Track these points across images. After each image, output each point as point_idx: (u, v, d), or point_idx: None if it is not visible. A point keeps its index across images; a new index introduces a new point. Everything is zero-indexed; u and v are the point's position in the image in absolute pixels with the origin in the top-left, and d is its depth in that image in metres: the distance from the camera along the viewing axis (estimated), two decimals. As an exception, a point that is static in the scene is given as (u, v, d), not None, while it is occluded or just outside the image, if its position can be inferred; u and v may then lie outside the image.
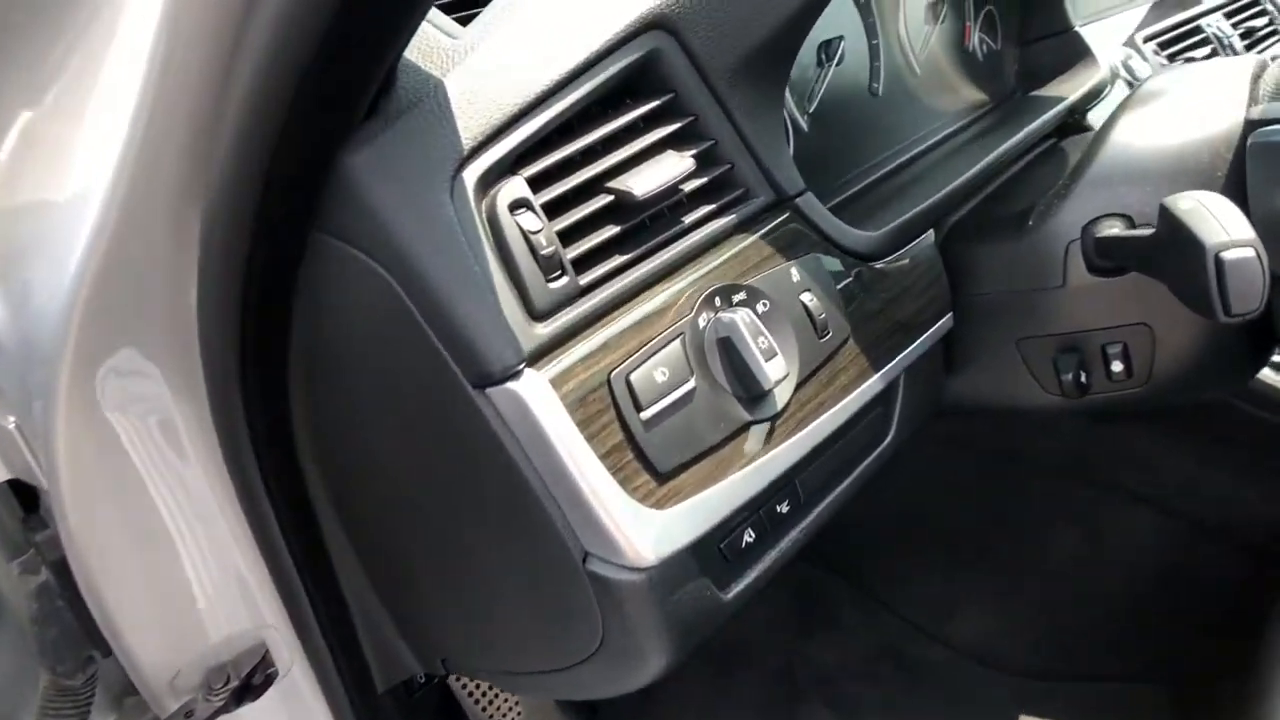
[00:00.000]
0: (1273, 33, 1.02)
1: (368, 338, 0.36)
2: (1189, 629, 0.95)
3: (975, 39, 0.74)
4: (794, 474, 0.42)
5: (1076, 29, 0.75)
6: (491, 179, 0.35)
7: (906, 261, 0.49)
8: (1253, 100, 0.48)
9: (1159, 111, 0.51)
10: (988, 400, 0.57)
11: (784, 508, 0.43)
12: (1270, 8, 1.05)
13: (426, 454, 0.38)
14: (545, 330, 0.34)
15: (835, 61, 0.56)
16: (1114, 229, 0.47)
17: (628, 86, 0.40)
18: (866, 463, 0.50)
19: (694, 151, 0.41)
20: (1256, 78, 0.50)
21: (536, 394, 0.33)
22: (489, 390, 0.33)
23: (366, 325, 0.35)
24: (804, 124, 0.55)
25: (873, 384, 0.46)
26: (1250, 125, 0.46)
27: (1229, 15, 0.98)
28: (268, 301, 0.34)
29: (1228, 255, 0.34)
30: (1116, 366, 0.50)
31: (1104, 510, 1.06)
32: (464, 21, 0.39)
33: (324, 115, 0.30)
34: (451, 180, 0.33)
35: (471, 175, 0.34)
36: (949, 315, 0.52)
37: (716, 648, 1.15)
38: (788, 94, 0.54)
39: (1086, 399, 0.52)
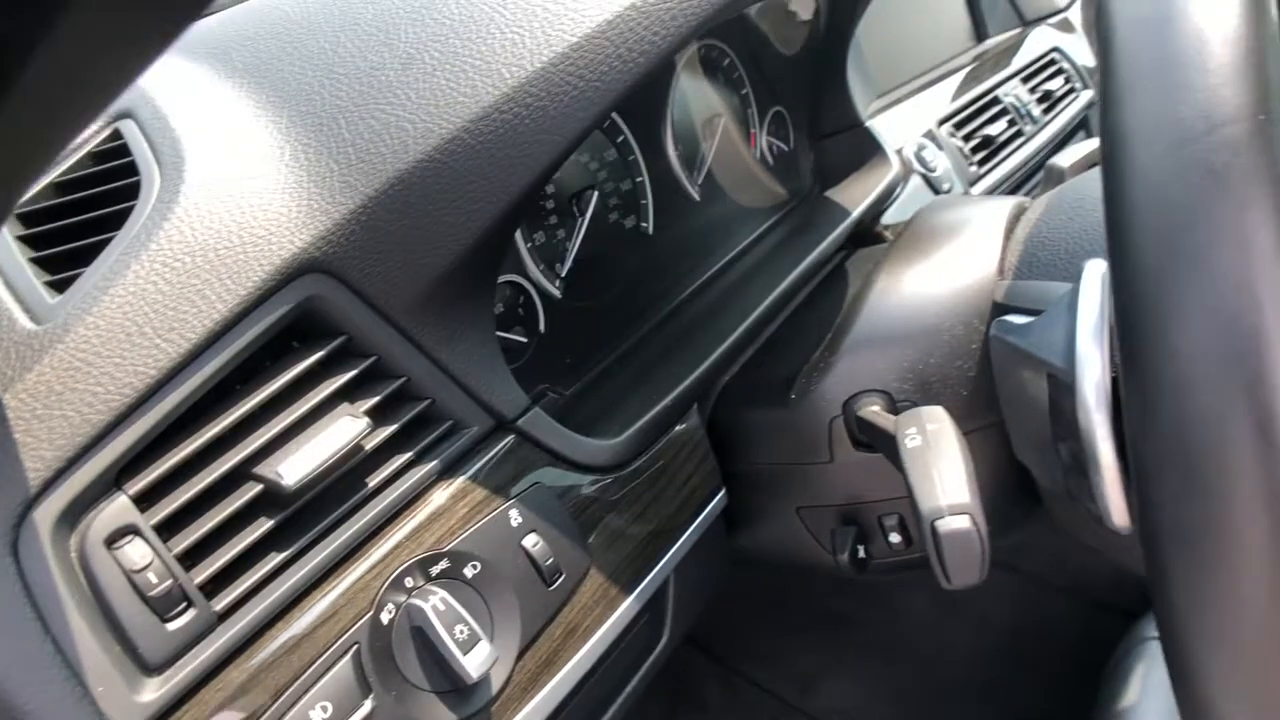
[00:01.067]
0: (1070, 91, 1.05)
1: None
2: (1037, 682, 0.97)
3: (763, 143, 0.71)
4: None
5: (866, 125, 0.74)
6: (80, 509, 0.28)
7: (661, 461, 0.45)
8: (1003, 264, 0.46)
9: (917, 270, 0.48)
10: (776, 558, 0.54)
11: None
12: (1066, 65, 1.07)
13: None
14: (159, 693, 0.28)
15: (587, 216, 0.52)
16: (874, 407, 0.45)
17: (291, 333, 0.34)
18: (643, 670, 0.46)
19: (379, 397, 0.35)
20: (1009, 232, 0.48)
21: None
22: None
23: None
24: (555, 291, 0.50)
25: (627, 608, 0.41)
26: (995, 308, 0.44)
27: (1026, 80, 0.99)
28: None
29: (942, 526, 0.31)
30: (894, 538, 0.48)
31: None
32: (62, 286, 0.32)
33: None
34: (13, 533, 0.27)
35: (45, 516, 0.27)
36: (720, 494, 0.48)
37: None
38: (531, 263, 0.49)
39: (872, 565, 0.49)
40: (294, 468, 0.31)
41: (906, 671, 1.14)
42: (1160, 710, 0.67)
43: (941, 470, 0.32)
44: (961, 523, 0.31)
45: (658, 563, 0.43)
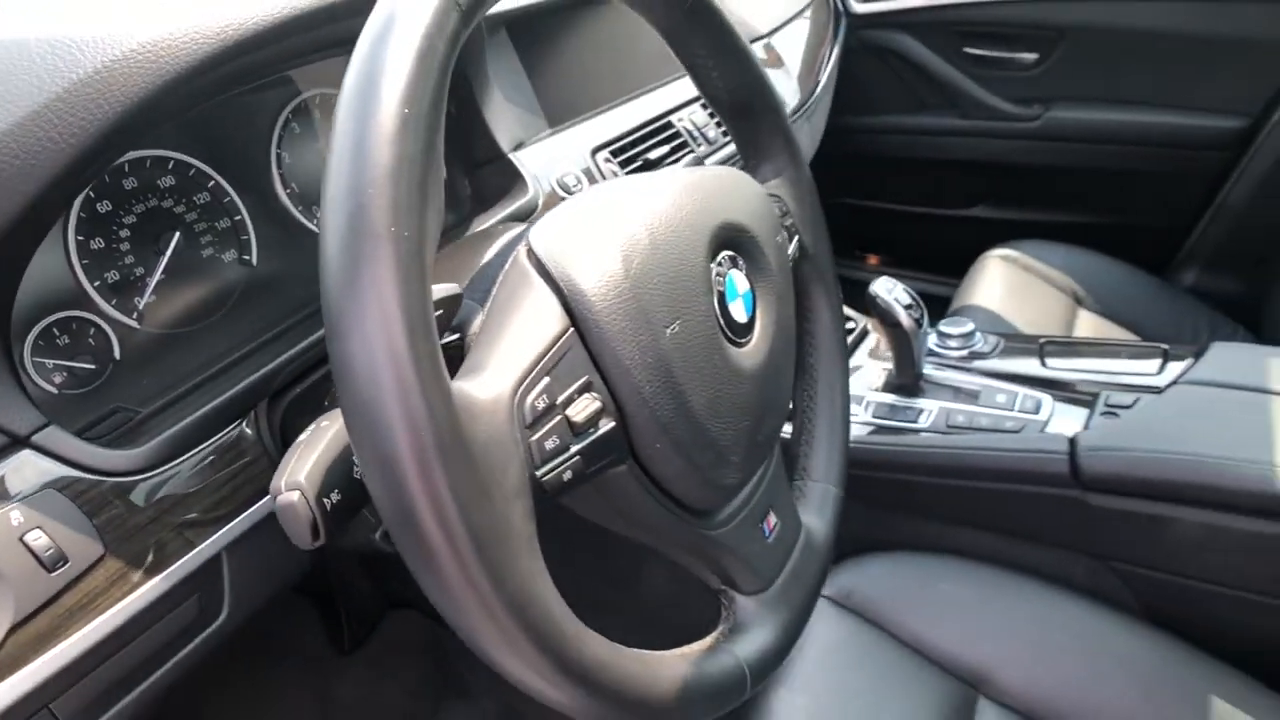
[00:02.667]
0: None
1: None
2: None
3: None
4: (34, 704, 0.45)
5: (509, 156, 0.83)
6: None
7: (203, 464, 0.53)
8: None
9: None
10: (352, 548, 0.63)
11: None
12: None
13: None
14: None
15: (166, 254, 0.59)
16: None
17: None
18: (199, 640, 0.54)
19: None
20: None
21: None
22: None
23: None
24: (132, 322, 0.58)
25: (151, 588, 0.49)
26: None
27: (706, 105, 1.10)
28: None
29: (279, 501, 0.40)
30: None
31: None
32: None
33: None
34: None
35: None
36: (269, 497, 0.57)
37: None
38: (99, 299, 0.56)
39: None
40: None
41: (655, 641, 1.24)
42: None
43: (296, 455, 0.41)
44: (291, 497, 0.40)
45: (195, 549, 0.52)
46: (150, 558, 0.49)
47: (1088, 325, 1.34)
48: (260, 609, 0.57)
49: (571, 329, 0.43)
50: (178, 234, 0.60)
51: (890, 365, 1.01)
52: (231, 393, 0.55)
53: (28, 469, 0.46)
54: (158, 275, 0.59)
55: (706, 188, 0.52)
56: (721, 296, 0.50)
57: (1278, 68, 1.43)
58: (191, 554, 0.51)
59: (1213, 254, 1.57)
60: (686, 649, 0.49)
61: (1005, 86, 1.65)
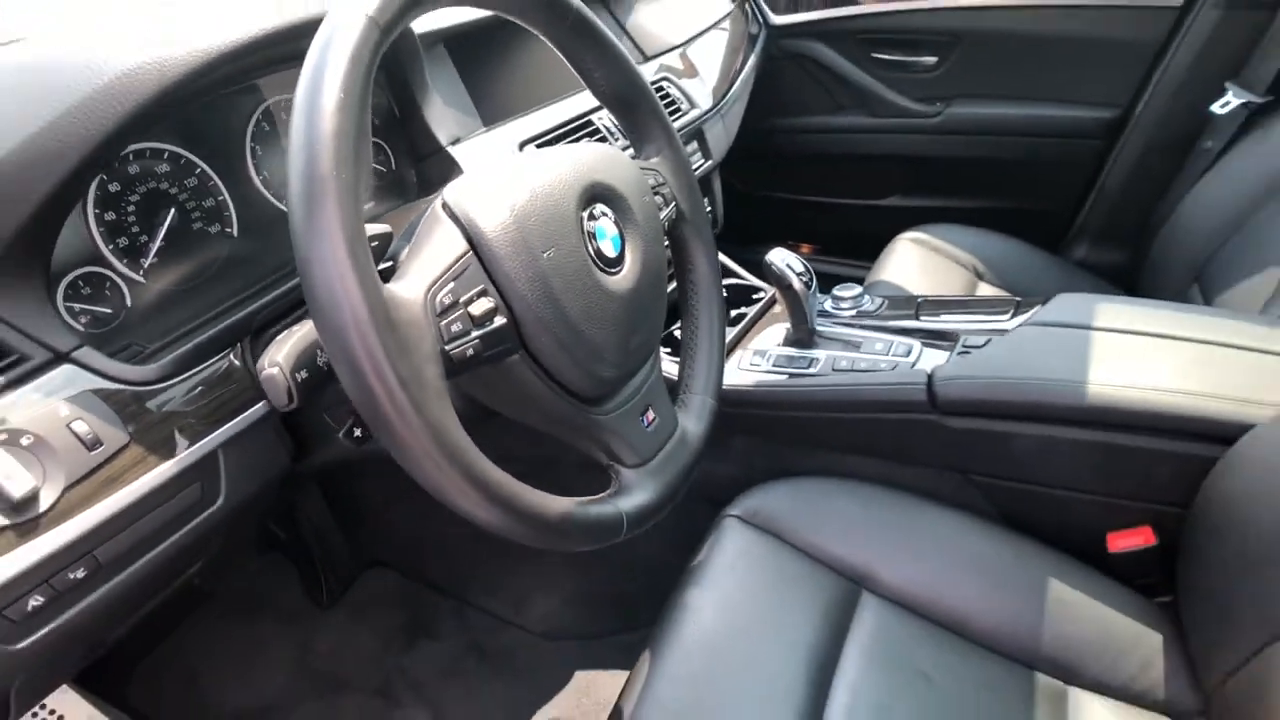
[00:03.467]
0: (674, 111, 1.34)
1: None
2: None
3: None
4: (86, 546, 0.60)
5: (447, 149, 0.99)
6: None
7: (200, 379, 0.69)
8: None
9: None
10: (327, 462, 0.78)
11: (78, 574, 0.60)
12: (673, 91, 1.37)
13: None
14: None
15: (164, 226, 0.75)
16: None
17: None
18: (199, 519, 0.69)
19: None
20: None
21: None
22: None
23: None
24: (139, 277, 0.73)
25: (164, 469, 0.64)
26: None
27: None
28: None
29: (263, 374, 0.56)
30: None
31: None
32: None
33: None
34: None
35: None
36: (259, 405, 0.72)
37: (322, 679, 1.31)
38: (113, 259, 0.71)
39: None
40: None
41: (600, 581, 1.39)
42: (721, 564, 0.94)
43: (274, 344, 0.57)
44: (273, 371, 0.56)
45: (196, 443, 0.67)
46: (162, 449, 0.65)
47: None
48: (248, 499, 0.72)
49: (469, 250, 0.59)
50: (173, 210, 0.76)
51: (789, 325, 1.17)
52: (219, 328, 0.70)
53: (69, 377, 0.61)
54: (158, 242, 0.74)
55: (581, 157, 0.69)
56: (592, 235, 0.66)
57: (1139, 64, 1.63)
58: (194, 447, 0.67)
59: (1097, 230, 1.76)
60: (580, 499, 0.64)
61: (909, 87, 1.84)
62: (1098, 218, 1.75)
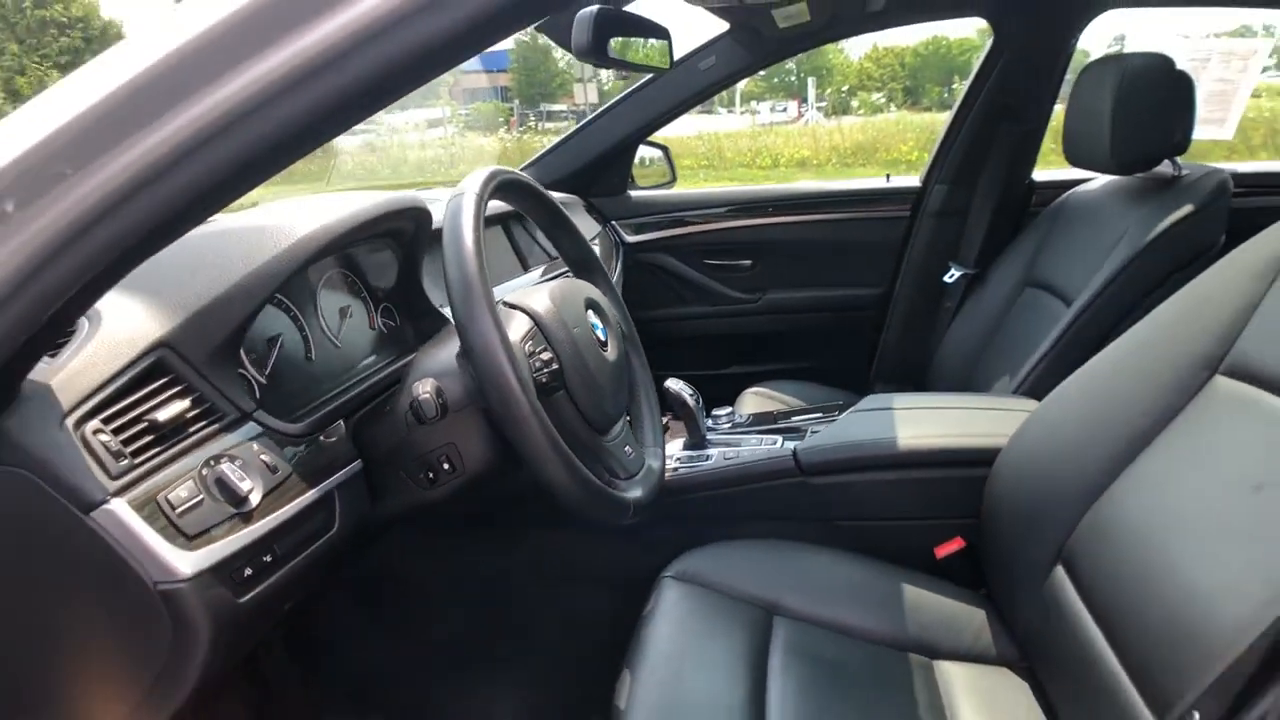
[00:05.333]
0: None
1: None
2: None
3: (379, 322, 1.30)
4: (271, 540, 0.85)
5: (438, 309, 1.36)
6: (80, 421, 0.75)
7: (322, 438, 0.98)
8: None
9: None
10: (399, 511, 1.06)
11: (267, 558, 0.85)
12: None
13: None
14: (118, 481, 0.75)
15: (277, 348, 1.06)
16: (425, 394, 1.01)
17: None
18: (323, 540, 0.95)
19: (191, 398, 0.85)
20: None
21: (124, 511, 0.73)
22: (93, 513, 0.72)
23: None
24: (262, 379, 1.03)
25: (308, 496, 0.92)
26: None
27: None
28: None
29: (419, 391, 0.90)
30: (446, 465, 1.02)
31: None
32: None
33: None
34: (60, 422, 0.74)
35: (70, 420, 0.74)
36: (356, 462, 1.01)
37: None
38: (249, 363, 1.01)
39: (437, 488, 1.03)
40: (162, 414, 0.81)
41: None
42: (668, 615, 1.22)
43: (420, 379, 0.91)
44: (427, 386, 0.89)
45: (320, 485, 0.95)
46: (298, 487, 0.92)
47: (812, 419, 1.99)
48: (349, 531, 0.98)
49: (533, 325, 0.96)
50: (281, 338, 1.07)
51: (685, 437, 1.57)
52: (334, 406, 1.01)
53: (250, 430, 0.90)
54: (272, 360, 1.04)
55: (579, 287, 1.10)
56: (593, 327, 1.06)
57: (891, 255, 2.30)
58: (318, 488, 0.94)
59: (886, 374, 2.34)
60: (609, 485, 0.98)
61: (735, 282, 2.43)
62: (885, 365, 2.34)
